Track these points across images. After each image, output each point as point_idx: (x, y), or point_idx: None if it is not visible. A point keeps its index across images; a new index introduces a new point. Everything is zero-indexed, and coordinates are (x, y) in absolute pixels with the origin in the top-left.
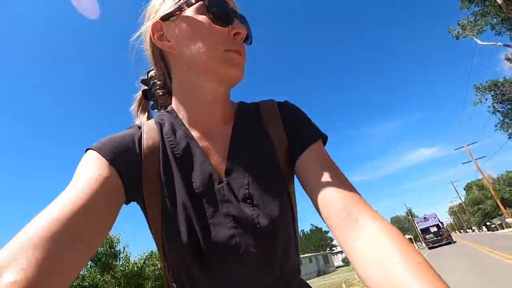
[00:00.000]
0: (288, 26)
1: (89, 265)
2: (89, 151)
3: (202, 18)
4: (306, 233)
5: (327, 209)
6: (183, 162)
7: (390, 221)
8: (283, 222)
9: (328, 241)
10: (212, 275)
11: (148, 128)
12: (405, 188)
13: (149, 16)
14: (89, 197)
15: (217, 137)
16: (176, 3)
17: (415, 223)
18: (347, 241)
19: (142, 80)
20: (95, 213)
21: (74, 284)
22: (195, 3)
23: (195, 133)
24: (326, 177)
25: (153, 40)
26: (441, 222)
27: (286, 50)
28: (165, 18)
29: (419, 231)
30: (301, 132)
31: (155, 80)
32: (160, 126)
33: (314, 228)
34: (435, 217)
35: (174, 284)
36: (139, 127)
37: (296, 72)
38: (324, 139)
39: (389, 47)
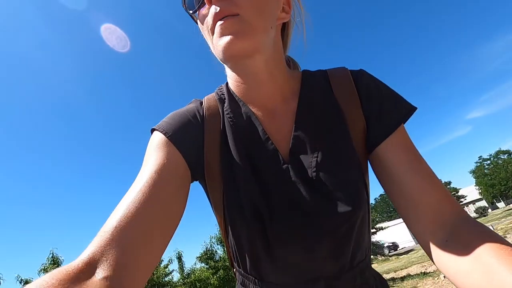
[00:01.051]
0: None
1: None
2: (155, 132)
3: (195, 14)
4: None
5: (413, 208)
6: (244, 140)
7: None
8: (356, 210)
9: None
10: (276, 259)
11: (209, 104)
12: None
13: None
14: (160, 186)
15: (280, 114)
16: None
17: None
18: (435, 244)
19: None
20: (167, 200)
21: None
22: (186, 6)
23: (255, 110)
24: (412, 170)
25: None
26: None
27: None
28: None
29: None
30: (383, 112)
31: None
32: (221, 101)
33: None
34: None
35: (237, 266)
36: (201, 103)
37: None
38: (413, 112)
39: None
